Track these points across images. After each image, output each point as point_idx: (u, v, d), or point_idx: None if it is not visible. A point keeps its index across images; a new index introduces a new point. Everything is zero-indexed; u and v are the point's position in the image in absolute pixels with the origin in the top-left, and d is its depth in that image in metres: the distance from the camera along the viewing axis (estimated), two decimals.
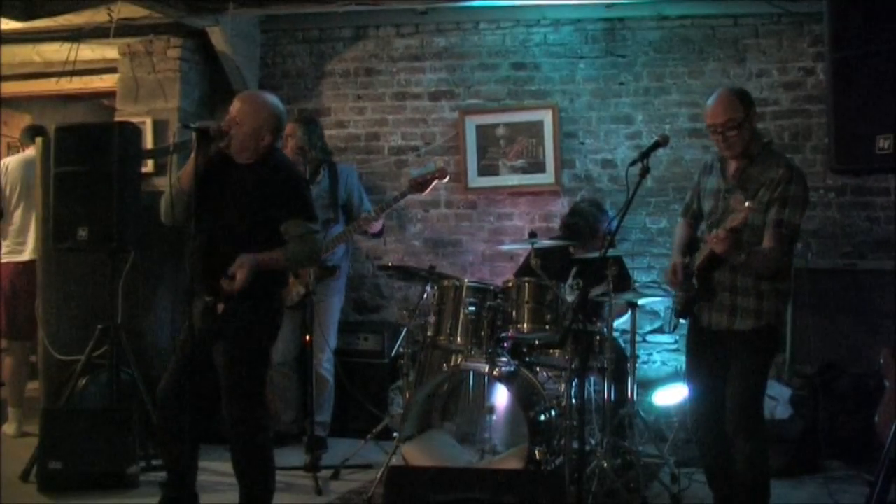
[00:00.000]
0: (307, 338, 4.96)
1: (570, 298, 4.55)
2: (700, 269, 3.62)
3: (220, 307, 3.63)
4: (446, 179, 5.42)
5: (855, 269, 5.37)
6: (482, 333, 4.51)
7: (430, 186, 5.23)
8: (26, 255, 5.72)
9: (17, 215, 5.79)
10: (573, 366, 4.35)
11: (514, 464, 4.24)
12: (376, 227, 5.39)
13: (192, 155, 3.60)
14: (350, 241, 5.54)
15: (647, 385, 5.65)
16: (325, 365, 5.35)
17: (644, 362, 5.82)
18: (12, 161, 5.91)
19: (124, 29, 6.01)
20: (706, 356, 3.74)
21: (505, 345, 4.66)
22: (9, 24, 5.77)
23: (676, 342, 5.79)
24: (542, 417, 4.41)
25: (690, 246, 3.81)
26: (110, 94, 6.70)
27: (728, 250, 3.41)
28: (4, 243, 5.77)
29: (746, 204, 3.29)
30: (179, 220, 3.71)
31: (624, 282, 4.87)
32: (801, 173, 3.60)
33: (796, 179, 3.54)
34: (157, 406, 3.76)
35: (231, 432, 3.63)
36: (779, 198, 3.51)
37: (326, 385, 5.38)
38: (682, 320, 3.83)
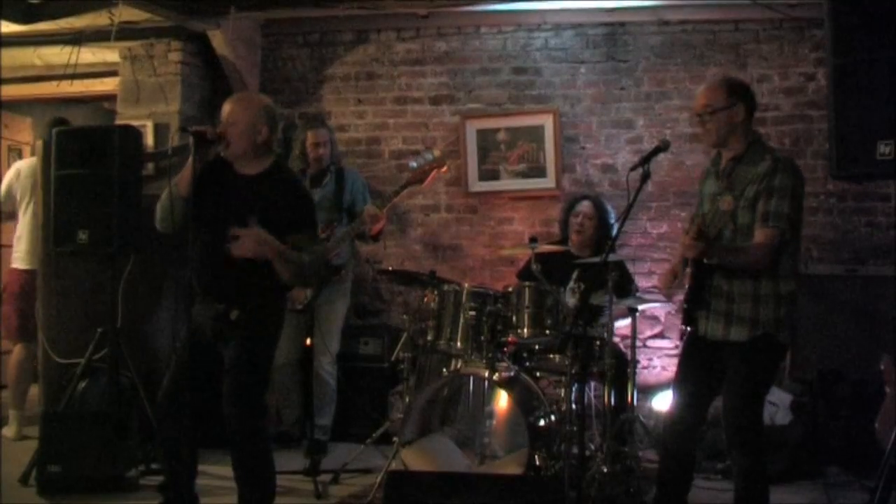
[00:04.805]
0: (308, 341, 4.96)
1: (571, 302, 4.55)
2: (692, 276, 3.53)
3: (235, 313, 3.62)
4: (445, 170, 5.30)
5: (855, 275, 5.36)
6: (482, 338, 4.51)
7: (431, 178, 5.11)
8: (18, 263, 5.65)
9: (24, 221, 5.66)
10: (573, 371, 4.34)
11: (513, 469, 4.24)
12: (378, 226, 5.20)
13: (190, 160, 3.59)
14: (352, 240, 5.41)
15: (648, 390, 5.65)
16: (327, 368, 5.35)
17: (644, 367, 5.82)
18: (24, 165, 5.77)
19: (125, 32, 6.00)
20: (697, 367, 3.62)
21: (505, 349, 4.66)
22: (10, 28, 5.76)
23: (677, 347, 5.78)
24: (542, 422, 4.41)
25: None
26: (111, 98, 6.69)
27: (699, 255, 3.33)
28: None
29: (725, 205, 3.21)
30: (178, 226, 3.69)
31: (625, 286, 4.87)
32: (789, 163, 3.45)
33: (782, 169, 3.39)
34: (157, 409, 3.75)
35: (232, 435, 3.62)
36: (764, 190, 3.37)
37: (328, 388, 5.38)
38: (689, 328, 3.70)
